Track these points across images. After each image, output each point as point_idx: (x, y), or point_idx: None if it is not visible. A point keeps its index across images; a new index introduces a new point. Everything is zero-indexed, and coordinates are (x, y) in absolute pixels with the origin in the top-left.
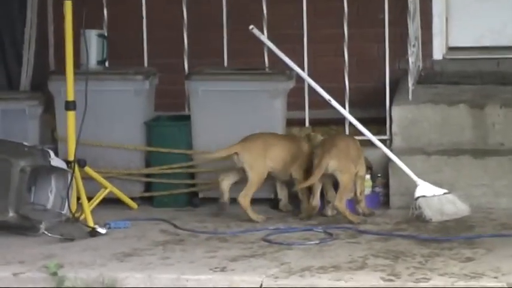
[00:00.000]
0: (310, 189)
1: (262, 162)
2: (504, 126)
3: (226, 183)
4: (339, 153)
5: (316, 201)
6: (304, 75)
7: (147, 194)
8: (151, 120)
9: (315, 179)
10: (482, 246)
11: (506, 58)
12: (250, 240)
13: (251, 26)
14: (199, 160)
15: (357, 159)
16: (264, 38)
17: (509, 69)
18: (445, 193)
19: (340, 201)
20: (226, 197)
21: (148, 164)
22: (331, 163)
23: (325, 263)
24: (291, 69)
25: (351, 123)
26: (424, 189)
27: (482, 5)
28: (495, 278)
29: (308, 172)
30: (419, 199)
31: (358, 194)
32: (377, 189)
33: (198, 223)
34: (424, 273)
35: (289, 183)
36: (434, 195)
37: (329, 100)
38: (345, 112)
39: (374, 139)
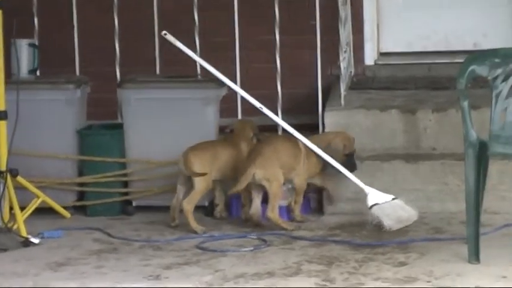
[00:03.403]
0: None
1: (209, 170)
2: (436, 131)
3: (181, 193)
4: (264, 162)
5: (254, 209)
6: (228, 81)
7: (80, 203)
8: (83, 128)
9: (240, 187)
10: (415, 251)
11: (437, 63)
12: (184, 247)
13: (164, 32)
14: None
15: (293, 163)
16: (179, 44)
17: (440, 74)
18: (393, 199)
19: (272, 211)
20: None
21: (81, 173)
22: (257, 173)
23: (259, 269)
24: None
25: (284, 129)
26: (375, 196)
27: (412, 11)
28: (428, 282)
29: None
30: (374, 208)
31: (292, 203)
32: (310, 195)
33: (132, 231)
34: (358, 278)
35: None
36: (386, 202)
37: (260, 108)
38: (278, 119)
39: (313, 147)
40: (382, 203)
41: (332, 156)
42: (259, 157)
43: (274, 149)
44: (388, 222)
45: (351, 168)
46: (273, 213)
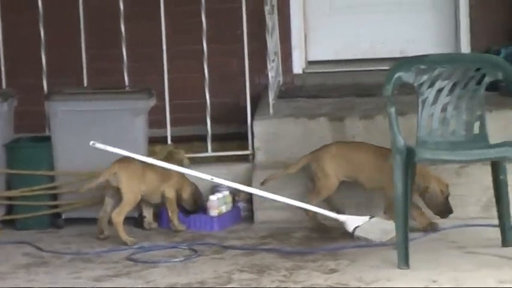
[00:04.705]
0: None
1: (137, 183)
2: (364, 138)
3: (109, 206)
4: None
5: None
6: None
7: (9, 217)
8: (11, 142)
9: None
10: (346, 257)
11: (364, 70)
12: (115, 259)
13: (92, 142)
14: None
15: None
16: (110, 148)
17: (367, 81)
18: (370, 217)
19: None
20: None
21: (9, 187)
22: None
23: (190, 279)
24: (151, 88)
25: (213, 140)
26: (353, 221)
27: (339, 20)
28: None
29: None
30: (356, 230)
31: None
32: (240, 204)
33: (62, 244)
34: (289, 286)
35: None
36: (365, 223)
37: (211, 179)
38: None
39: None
40: (362, 224)
41: (431, 200)
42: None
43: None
44: (376, 237)
45: (449, 212)
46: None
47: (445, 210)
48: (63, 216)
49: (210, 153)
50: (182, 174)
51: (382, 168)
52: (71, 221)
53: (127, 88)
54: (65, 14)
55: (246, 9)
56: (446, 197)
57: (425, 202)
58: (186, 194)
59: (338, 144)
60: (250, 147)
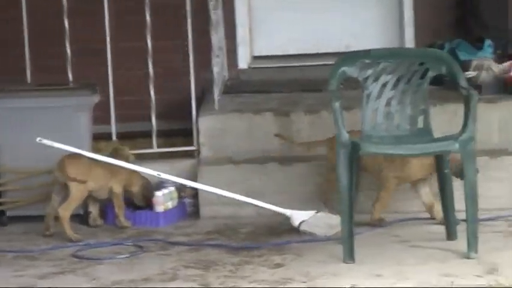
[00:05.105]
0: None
1: (85, 179)
2: (309, 133)
3: (57, 202)
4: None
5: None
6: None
7: None
8: None
9: None
10: (291, 252)
11: (309, 65)
12: (60, 256)
13: (38, 138)
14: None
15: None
16: (57, 144)
17: (312, 76)
18: (316, 212)
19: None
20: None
21: None
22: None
23: (136, 276)
24: (95, 84)
25: (158, 136)
26: (298, 216)
27: (284, 14)
28: (304, 282)
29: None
30: (302, 225)
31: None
32: (186, 200)
33: (6, 242)
34: (235, 281)
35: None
36: (311, 217)
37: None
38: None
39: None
40: (308, 218)
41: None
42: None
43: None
44: (321, 231)
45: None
46: (65, 212)
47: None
48: (7, 214)
49: (155, 150)
50: (131, 170)
51: None
52: (16, 219)
53: (70, 84)
54: (8, 10)
55: (191, 5)
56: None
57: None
58: (136, 190)
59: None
60: (195, 143)
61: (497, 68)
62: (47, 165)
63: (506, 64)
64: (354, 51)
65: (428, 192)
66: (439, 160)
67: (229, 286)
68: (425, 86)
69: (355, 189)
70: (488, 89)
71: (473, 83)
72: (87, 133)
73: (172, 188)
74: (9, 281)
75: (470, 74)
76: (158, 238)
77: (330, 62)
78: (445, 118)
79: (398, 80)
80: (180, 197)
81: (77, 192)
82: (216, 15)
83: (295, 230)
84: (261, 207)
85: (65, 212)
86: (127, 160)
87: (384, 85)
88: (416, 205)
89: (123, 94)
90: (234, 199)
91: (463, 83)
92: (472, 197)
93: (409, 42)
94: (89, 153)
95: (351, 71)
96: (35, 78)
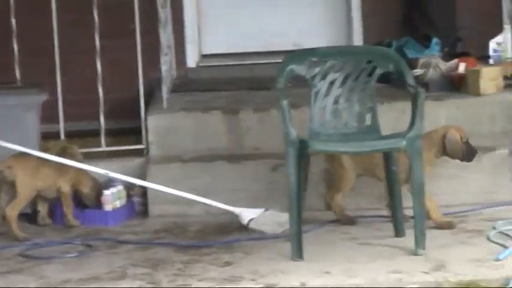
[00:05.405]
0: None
1: (33, 178)
2: (258, 131)
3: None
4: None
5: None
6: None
7: None
8: None
9: None
10: (241, 250)
11: (258, 64)
12: (7, 256)
13: None
14: None
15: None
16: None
17: (261, 75)
18: (265, 210)
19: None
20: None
21: None
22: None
23: (84, 275)
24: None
25: (107, 135)
26: (247, 213)
27: (233, 13)
28: (253, 280)
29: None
30: (251, 223)
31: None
32: (135, 198)
33: None
34: (184, 279)
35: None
36: (259, 215)
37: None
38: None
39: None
40: (256, 216)
41: (452, 147)
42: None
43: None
44: (270, 229)
45: (473, 153)
46: (12, 212)
47: (469, 154)
48: None
49: (103, 148)
50: (80, 169)
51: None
52: None
53: (18, 83)
54: None
55: (139, 3)
56: (467, 141)
57: (447, 152)
58: (86, 189)
59: None
60: (144, 142)
61: (444, 65)
62: None
63: (453, 62)
64: (302, 50)
65: None
66: (387, 158)
67: (178, 284)
68: (372, 83)
69: (304, 187)
70: (436, 87)
71: (420, 80)
72: (35, 132)
73: (120, 187)
74: None
75: (418, 71)
76: (107, 237)
77: (279, 60)
78: (392, 115)
79: (346, 78)
80: (128, 196)
81: (25, 192)
82: (165, 13)
83: (244, 228)
84: (210, 206)
85: (12, 211)
86: (75, 159)
87: (332, 83)
88: (365, 202)
89: (71, 93)
90: (182, 197)
91: (411, 80)
92: (419, 194)
93: (357, 40)
94: (36, 152)
95: (298, 69)
96: None
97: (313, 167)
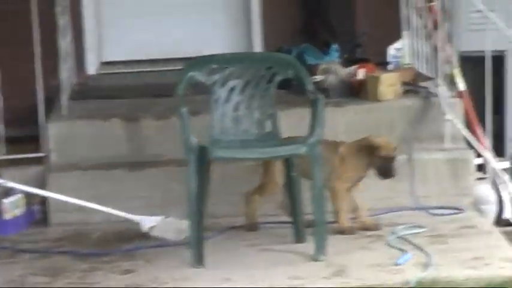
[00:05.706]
0: None
1: None
2: (159, 138)
3: None
4: None
5: None
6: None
7: None
8: None
9: None
10: (142, 258)
11: (159, 71)
12: None
13: None
14: None
15: None
16: None
17: (162, 82)
18: (165, 217)
19: None
20: None
21: None
22: None
23: None
24: None
25: (7, 142)
26: (147, 221)
27: (133, 20)
28: None
29: None
30: (152, 230)
31: None
32: (35, 206)
33: None
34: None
35: None
36: (160, 222)
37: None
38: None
39: None
40: (157, 224)
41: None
42: None
43: None
44: (171, 236)
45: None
46: None
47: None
48: None
49: (2, 156)
50: None
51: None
52: None
53: None
54: None
55: (37, 11)
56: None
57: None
58: None
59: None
60: (44, 150)
61: (343, 71)
62: None
63: (353, 68)
64: (201, 57)
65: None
66: (287, 164)
67: None
68: (272, 90)
69: (205, 194)
70: (335, 93)
71: (320, 86)
72: None
73: (19, 195)
74: None
75: (317, 78)
76: (5, 246)
77: (180, 67)
78: (293, 122)
79: (246, 85)
80: (28, 204)
81: None
82: (64, 20)
83: (145, 236)
84: (111, 214)
85: None
86: None
87: (232, 90)
88: (267, 208)
89: None
90: (81, 207)
91: (310, 86)
92: (319, 199)
93: (258, 46)
94: None
95: (198, 76)
96: None
97: (222, 174)
